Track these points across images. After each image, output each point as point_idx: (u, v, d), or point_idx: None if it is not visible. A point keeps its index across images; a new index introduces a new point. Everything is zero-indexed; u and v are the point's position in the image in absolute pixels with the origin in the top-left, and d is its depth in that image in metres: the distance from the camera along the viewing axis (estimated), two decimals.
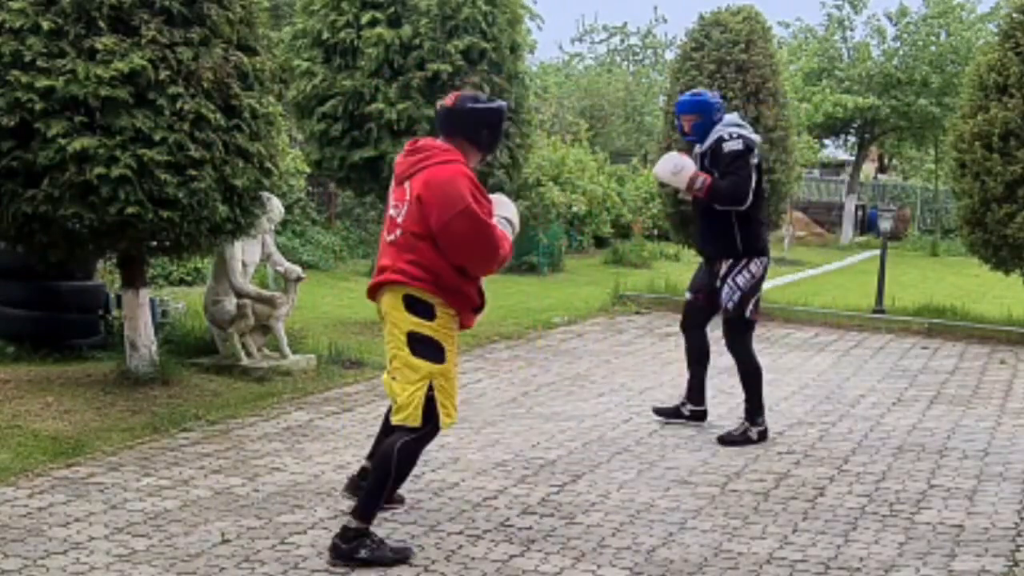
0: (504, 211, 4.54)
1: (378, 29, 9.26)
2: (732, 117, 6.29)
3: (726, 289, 6.18)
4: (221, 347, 7.75)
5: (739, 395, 7.65)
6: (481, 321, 7.95)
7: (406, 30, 9.27)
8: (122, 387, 6.88)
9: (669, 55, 31.11)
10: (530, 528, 4.73)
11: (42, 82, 6.06)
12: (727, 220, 6.10)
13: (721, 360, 9.11)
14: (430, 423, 4.32)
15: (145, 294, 7.12)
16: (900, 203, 30.66)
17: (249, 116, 6.64)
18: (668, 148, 12.38)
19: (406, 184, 4.35)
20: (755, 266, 6.17)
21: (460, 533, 4.63)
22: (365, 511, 4.30)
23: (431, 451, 5.87)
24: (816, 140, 27.44)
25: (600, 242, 20.58)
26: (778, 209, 12.55)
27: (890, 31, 28.12)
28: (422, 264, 4.26)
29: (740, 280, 6.15)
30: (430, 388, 4.27)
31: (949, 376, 8.73)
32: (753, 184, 6.07)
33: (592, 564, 4.33)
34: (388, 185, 9.82)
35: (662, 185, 6.70)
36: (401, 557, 4.27)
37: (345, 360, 8.20)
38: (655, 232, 21.31)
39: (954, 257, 23.08)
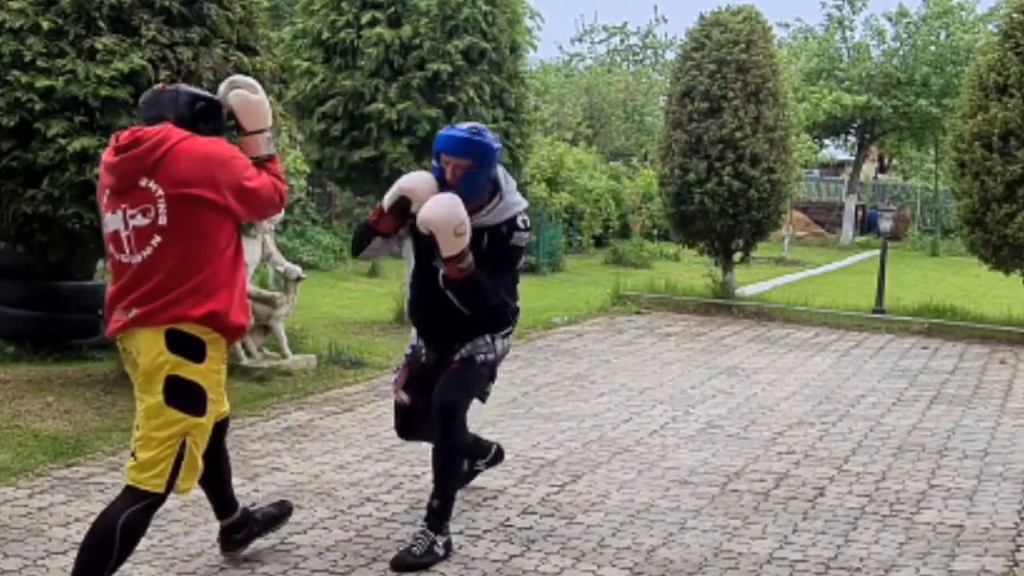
0: (260, 121, 3.88)
1: (378, 29, 9.26)
2: (503, 170, 4.51)
3: (481, 342, 4.51)
4: None
5: (739, 395, 7.67)
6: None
7: (406, 30, 9.27)
8: (122, 387, 6.87)
9: (669, 55, 31.19)
10: (530, 528, 4.73)
11: (42, 82, 6.07)
12: (495, 300, 4.42)
13: (721, 360, 9.14)
14: (163, 489, 3.60)
15: None
16: (900, 203, 30.67)
17: None
18: (669, 148, 12.45)
19: (146, 182, 3.50)
20: (511, 338, 4.70)
21: (460, 533, 4.63)
22: None
23: (431, 451, 5.87)
24: (816, 140, 27.48)
25: (600, 242, 20.60)
26: (778, 209, 12.56)
27: (890, 31, 28.15)
28: (188, 273, 3.53)
29: (499, 344, 4.57)
30: (182, 446, 3.58)
31: (949, 376, 8.72)
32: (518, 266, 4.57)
33: (592, 564, 4.33)
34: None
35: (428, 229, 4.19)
36: None
37: (345, 360, 8.20)
38: (655, 232, 21.33)
39: (954, 257, 23.09)
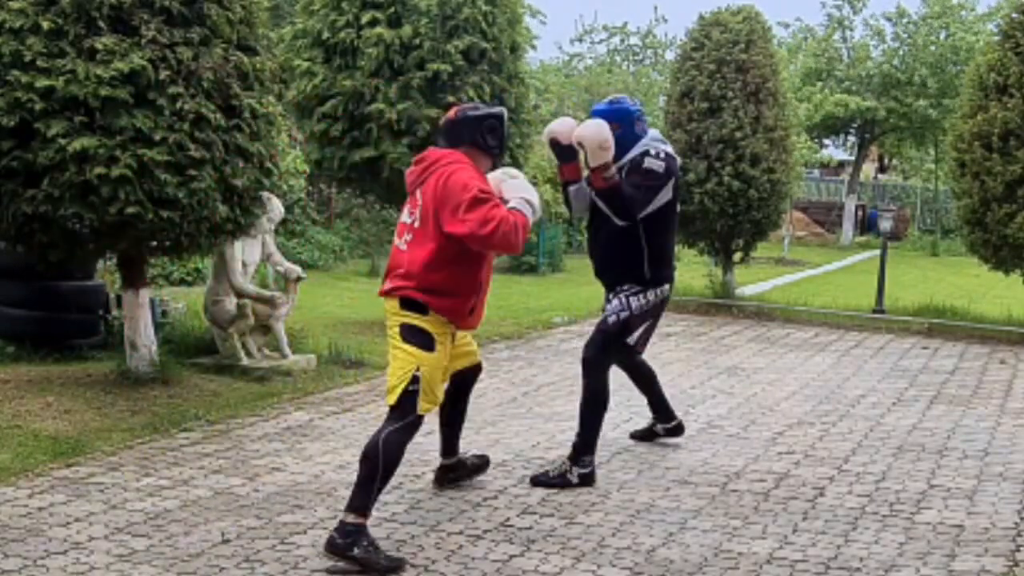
0: (523, 192, 4.62)
1: (378, 29, 9.26)
2: (656, 132, 5.56)
3: (615, 302, 5.49)
4: (221, 347, 7.75)
5: (739, 395, 7.67)
6: (481, 321, 7.78)
7: (406, 30, 9.27)
8: (122, 387, 6.88)
9: (669, 55, 31.15)
10: (530, 528, 4.73)
11: (42, 82, 6.06)
12: (637, 246, 5.42)
13: (721, 360, 9.13)
14: (411, 413, 4.44)
15: (145, 294, 7.12)
16: (900, 203, 30.67)
17: (249, 116, 6.64)
18: None
19: (417, 193, 4.55)
20: (653, 295, 5.50)
21: (460, 533, 4.63)
22: (357, 504, 4.32)
23: (431, 451, 5.88)
24: (816, 141, 27.47)
25: None
26: (778, 209, 12.56)
27: (889, 31, 28.15)
28: (423, 270, 4.46)
29: (634, 301, 5.46)
30: (415, 377, 4.44)
31: (949, 376, 8.72)
32: (663, 207, 5.42)
33: (592, 564, 4.33)
34: (388, 185, 9.86)
35: (558, 148, 5.42)
36: (393, 567, 4.22)
37: (345, 360, 8.20)
38: None
39: (954, 257, 23.09)
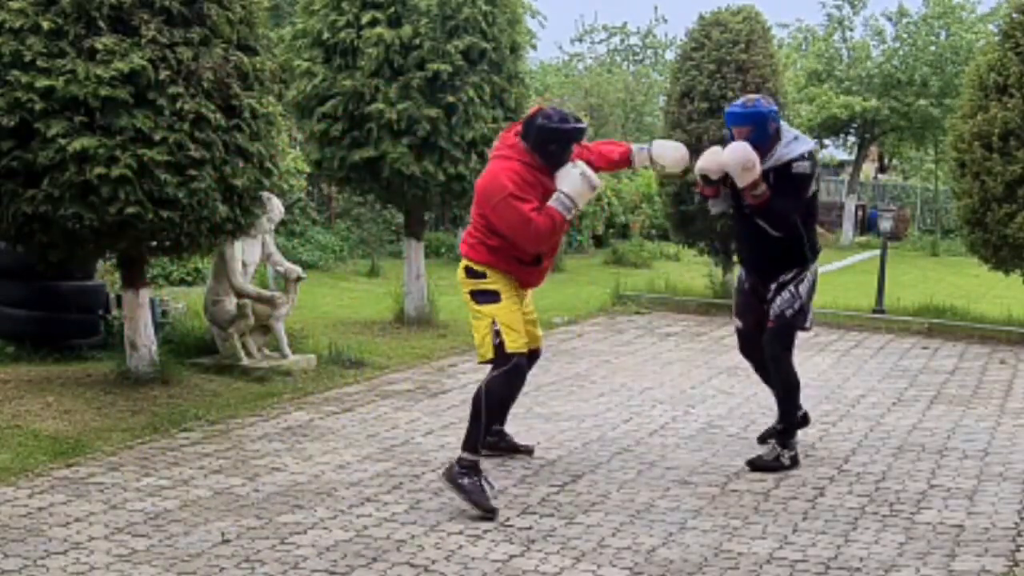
0: (564, 185, 5.04)
1: (378, 29, 9.26)
2: (789, 132, 5.68)
3: (787, 295, 5.70)
4: (221, 347, 7.75)
5: (739, 395, 7.67)
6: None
7: (406, 30, 9.27)
8: (122, 387, 6.88)
9: (669, 55, 31.17)
10: (530, 528, 4.73)
11: (42, 82, 6.06)
12: (796, 235, 5.66)
13: (721, 360, 9.13)
14: (504, 358, 5.06)
15: (145, 294, 7.12)
16: (900, 203, 30.67)
17: (249, 116, 6.64)
18: None
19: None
20: (811, 274, 5.79)
21: (460, 533, 4.63)
22: (467, 441, 5.00)
23: (431, 451, 5.89)
24: (816, 141, 27.47)
25: (600, 242, 20.61)
26: None
27: (889, 31, 28.16)
28: (478, 239, 5.15)
29: (802, 288, 5.72)
30: (495, 328, 5.07)
31: (949, 376, 8.72)
32: (809, 198, 5.71)
33: (592, 564, 4.33)
34: (388, 185, 9.87)
35: (683, 173, 5.93)
36: (485, 509, 4.79)
37: (345, 360, 8.20)
38: (653, 232, 21.33)
39: (954, 257, 23.07)
